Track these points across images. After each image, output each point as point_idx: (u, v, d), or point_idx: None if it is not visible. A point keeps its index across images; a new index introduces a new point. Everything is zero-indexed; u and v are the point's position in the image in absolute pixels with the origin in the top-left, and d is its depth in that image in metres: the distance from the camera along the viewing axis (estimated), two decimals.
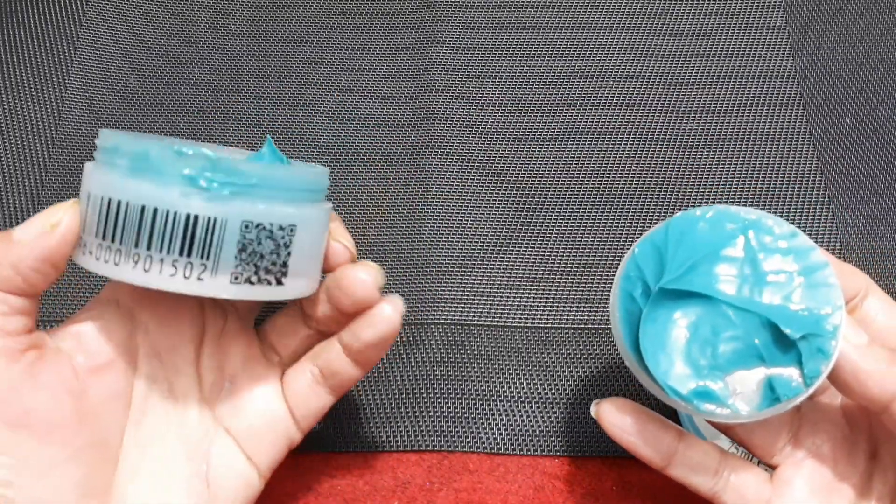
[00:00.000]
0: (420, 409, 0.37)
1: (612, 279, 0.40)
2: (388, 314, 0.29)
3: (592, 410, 0.30)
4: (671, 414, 0.36)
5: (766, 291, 0.27)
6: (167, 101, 0.45)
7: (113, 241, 0.26)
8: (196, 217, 0.25)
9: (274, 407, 0.30)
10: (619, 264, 0.40)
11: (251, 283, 0.27)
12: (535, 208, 0.42)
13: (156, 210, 0.25)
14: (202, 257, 0.26)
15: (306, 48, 0.47)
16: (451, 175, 0.43)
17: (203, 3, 0.48)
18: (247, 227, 0.26)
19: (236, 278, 0.26)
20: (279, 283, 0.27)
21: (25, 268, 0.26)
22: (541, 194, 0.42)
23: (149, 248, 0.26)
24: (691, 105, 0.44)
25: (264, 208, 0.26)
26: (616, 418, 0.29)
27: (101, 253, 0.26)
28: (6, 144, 0.44)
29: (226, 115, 0.45)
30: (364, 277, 0.29)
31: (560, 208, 0.42)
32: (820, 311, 0.26)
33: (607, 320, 0.39)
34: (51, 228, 0.26)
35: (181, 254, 0.26)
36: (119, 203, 0.26)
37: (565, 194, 0.42)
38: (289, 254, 0.27)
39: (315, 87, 0.46)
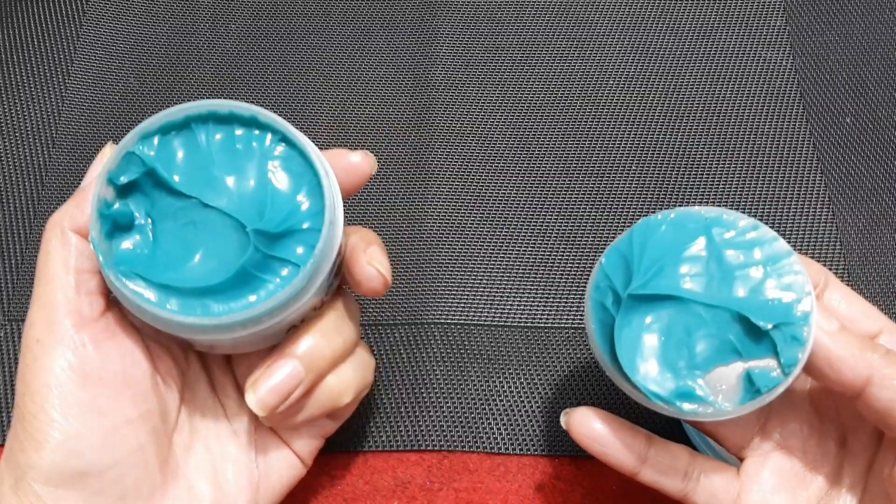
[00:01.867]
0: (420, 409, 0.37)
1: None
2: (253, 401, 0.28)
3: (562, 421, 0.29)
4: (678, 429, 0.36)
5: (734, 286, 0.27)
6: (168, 101, 0.45)
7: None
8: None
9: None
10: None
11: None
12: (536, 207, 0.42)
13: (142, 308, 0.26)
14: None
15: (306, 46, 0.47)
16: (451, 173, 0.43)
17: (203, 2, 0.48)
18: (212, 346, 0.28)
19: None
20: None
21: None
22: (541, 192, 0.42)
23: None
24: (691, 103, 0.44)
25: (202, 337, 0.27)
26: (585, 428, 0.28)
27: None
28: (6, 144, 0.44)
29: None
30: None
31: (561, 207, 0.42)
32: (789, 299, 0.26)
33: None
34: (99, 158, 0.28)
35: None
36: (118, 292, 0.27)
37: (566, 193, 0.42)
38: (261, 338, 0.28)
39: (315, 85, 0.46)
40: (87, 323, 0.26)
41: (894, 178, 0.42)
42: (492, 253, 0.40)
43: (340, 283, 0.30)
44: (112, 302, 0.27)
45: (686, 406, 0.26)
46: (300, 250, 0.26)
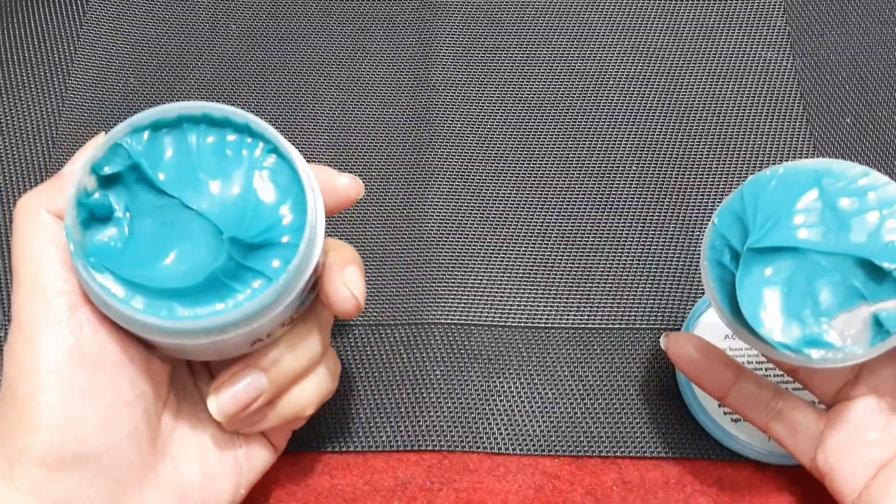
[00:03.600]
0: (420, 409, 0.37)
1: (613, 278, 0.40)
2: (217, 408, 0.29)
3: (662, 342, 0.32)
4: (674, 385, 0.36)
5: (851, 232, 0.27)
6: (167, 101, 0.45)
7: None
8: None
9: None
10: (619, 263, 0.40)
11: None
12: (536, 207, 0.42)
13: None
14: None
15: (306, 47, 0.47)
16: (451, 174, 0.43)
17: (203, 3, 0.48)
18: (180, 350, 0.27)
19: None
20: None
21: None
22: (541, 193, 0.42)
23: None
24: (692, 104, 0.44)
25: (160, 339, 0.26)
26: (684, 350, 0.31)
27: None
28: (6, 144, 0.44)
29: None
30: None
31: (561, 207, 0.42)
32: None
33: (607, 320, 0.39)
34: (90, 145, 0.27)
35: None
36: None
37: (566, 193, 0.42)
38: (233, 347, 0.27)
39: (315, 85, 0.46)
40: (80, 304, 0.26)
41: (894, 178, 0.42)
42: (492, 253, 0.40)
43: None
44: None
45: (815, 353, 0.26)
46: (276, 263, 0.26)
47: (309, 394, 0.30)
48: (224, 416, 0.28)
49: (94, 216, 0.26)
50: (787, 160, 0.42)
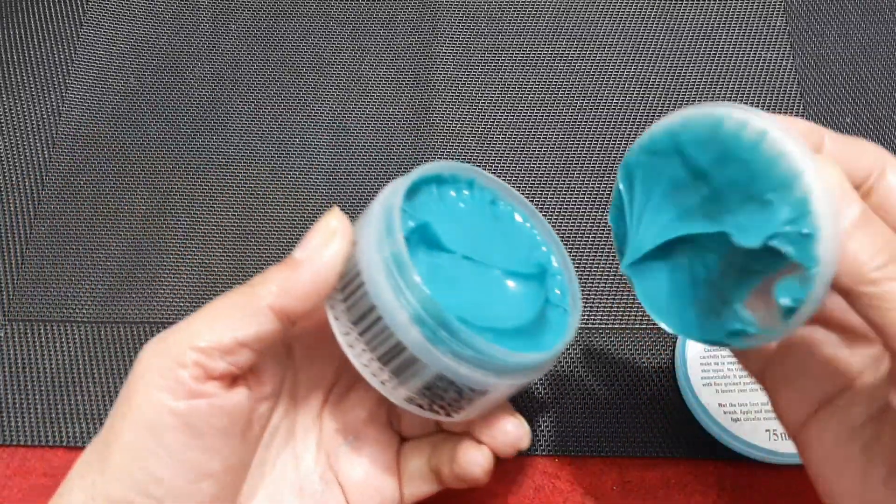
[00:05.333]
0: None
1: (613, 278, 0.40)
2: (481, 463, 0.29)
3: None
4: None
5: (723, 203, 0.23)
6: (167, 101, 0.45)
7: (344, 301, 0.26)
8: (405, 347, 0.25)
9: (386, 474, 0.31)
10: (619, 263, 0.40)
11: (422, 408, 0.27)
12: (536, 207, 0.42)
13: (380, 317, 0.25)
14: (393, 373, 0.26)
15: (306, 47, 0.47)
16: None
17: (203, 3, 0.48)
18: (441, 378, 0.26)
19: (411, 401, 0.27)
20: (448, 415, 0.28)
21: (314, 285, 0.26)
22: (541, 193, 0.42)
23: (360, 333, 0.26)
24: (692, 104, 0.44)
25: (466, 372, 0.25)
26: None
27: (334, 295, 0.27)
28: (6, 144, 0.44)
29: (226, 113, 0.45)
30: (478, 462, 0.29)
31: (561, 207, 0.42)
32: (784, 191, 0.21)
33: (607, 320, 0.39)
34: (330, 235, 0.26)
35: (380, 359, 0.26)
36: (363, 285, 0.25)
37: (566, 193, 0.42)
38: (469, 402, 0.27)
39: (315, 85, 0.46)
40: (209, 380, 0.25)
41: None
42: None
43: None
44: (243, 371, 0.27)
45: (740, 341, 0.24)
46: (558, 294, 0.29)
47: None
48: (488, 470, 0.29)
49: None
50: None
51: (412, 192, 0.27)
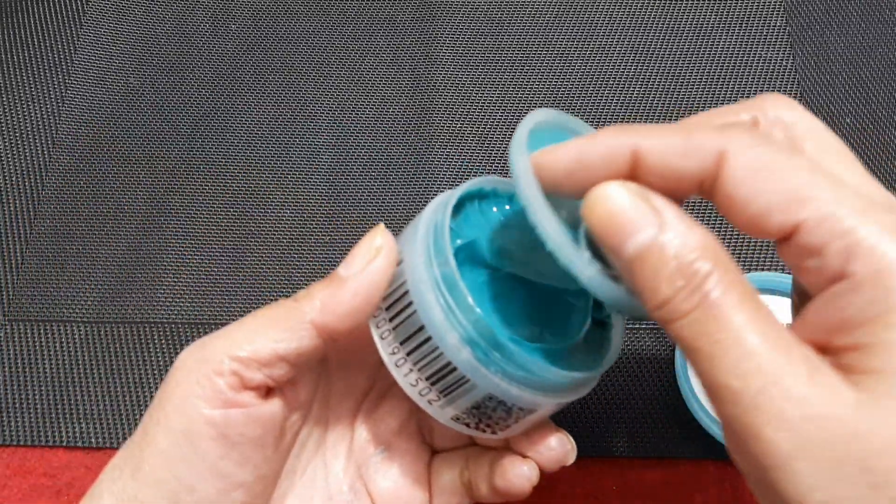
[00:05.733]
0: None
1: None
2: (527, 475, 0.29)
3: None
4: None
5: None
6: (167, 100, 0.45)
7: (390, 321, 0.26)
8: (455, 368, 0.25)
9: (416, 486, 0.30)
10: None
11: (468, 426, 0.27)
12: None
13: (429, 337, 0.25)
14: (441, 392, 0.26)
15: (306, 47, 0.47)
16: (451, 173, 0.43)
17: (203, 3, 0.48)
18: (490, 398, 0.26)
19: (457, 419, 0.27)
20: (493, 433, 0.27)
21: (356, 307, 0.25)
22: None
23: (408, 353, 0.26)
24: (692, 104, 0.44)
25: (516, 392, 0.25)
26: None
27: (379, 313, 0.26)
28: (6, 144, 0.44)
29: (226, 113, 0.45)
30: (527, 476, 0.29)
31: None
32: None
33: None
34: (375, 252, 0.26)
35: (427, 378, 0.26)
36: (410, 304, 0.25)
37: None
38: (516, 421, 0.27)
39: (315, 85, 0.46)
40: (246, 389, 0.25)
41: (894, 179, 0.42)
42: None
43: None
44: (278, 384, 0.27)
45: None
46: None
47: None
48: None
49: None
50: None
51: (457, 208, 0.27)
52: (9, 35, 0.47)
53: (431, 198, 0.42)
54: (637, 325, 0.38)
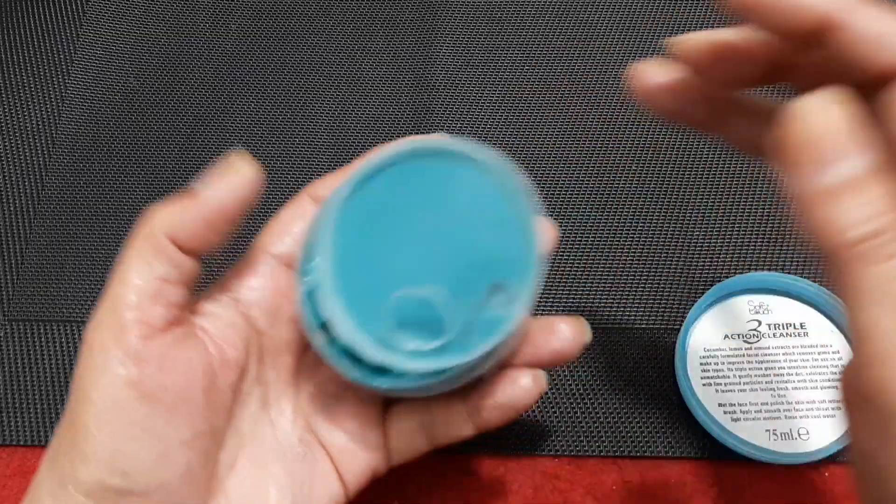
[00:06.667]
0: None
1: (613, 278, 0.40)
2: (527, 385, 0.29)
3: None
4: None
5: None
6: (167, 100, 0.45)
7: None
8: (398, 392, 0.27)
9: (371, 435, 0.30)
10: (619, 263, 0.40)
11: (443, 391, 0.28)
12: (536, 206, 0.42)
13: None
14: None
15: (306, 47, 0.47)
16: None
17: (203, 2, 0.48)
18: (392, 390, 0.27)
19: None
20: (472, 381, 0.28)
21: (209, 219, 0.26)
22: (541, 192, 0.42)
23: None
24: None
25: (448, 377, 0.26)
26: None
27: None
28: (6, 144, 0.44)
29: (226, 113, 0.45)
30: (527, 385, 0.29)
31: (560, 206, 0.42)
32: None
33: (607, 320, 0.39)
34: (235, 173, 0.27)
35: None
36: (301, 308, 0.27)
37: (566, 192, 0.42)
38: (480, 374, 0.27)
39: (315, 85, 0.46)
40: (155, 335, 0.25)
41: None
42: None
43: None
44: (184, 316, 0.27)
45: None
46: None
47: None
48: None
49: None
50: None
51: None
52: (9, 35, 0.47)
53: None
54: (637, 325, 0.38)
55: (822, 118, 0.20)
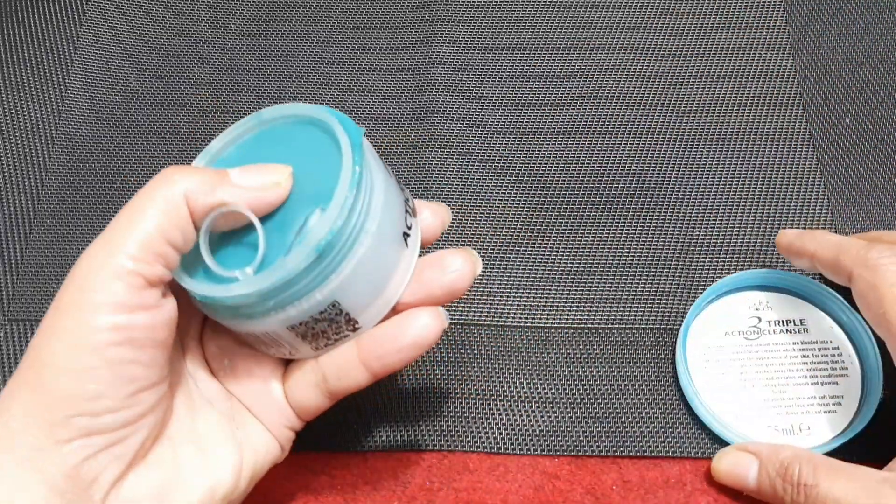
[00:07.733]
0: (420, 409, 0.37)
1: (613, 278, 0.40)
2: (427, 323, 0.29)
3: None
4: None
5: None
6: (168, 100, 0.45)
7: None
8: (259, 334, 0.27)
9: (273, 393, 0.30)
10: (619, 262, 0.40)
11: (330, 344, 0.28)
12: (536, 206, 0.42)
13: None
14: (282, 347, 0.28)
15: (306, 46, 0.47)
16: (451, 172, 0.43)
17: (203, 2, 0.48)
18: (293, 327, 0.27)
19: (317, 349, 0.29)
20: (355, 330, 0.28)
21: (234, 202, 0.26)
22: (541, 192, 0.42)
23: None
24: (691, 103, 0.44)
25: (294, 312, 0.26)
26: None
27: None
28: (6, 144, 0.44)
29: (226, 112, 0.45)
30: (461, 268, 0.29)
31: (560, 206, 0.42)
32: None
33: (607, 320, 0.39)
34: (272, 186, 0.27)
35: (271, 345, 0.28)
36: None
37: (565, 192, 0.42)
38: (347, 315, 0.27)
39: (315, 84, 0.46)
40: (150, 286, 0.25)
41: (894, 178, 0.42)
42: (491, 252, 0.40)
43: None
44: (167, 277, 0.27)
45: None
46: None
47: None
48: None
49: None
50: (786, 159, 0.42)
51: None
52: (9, 35, 0.47)
53: (431, 196, 0.42)
54: (637, 325, 0.38)
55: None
